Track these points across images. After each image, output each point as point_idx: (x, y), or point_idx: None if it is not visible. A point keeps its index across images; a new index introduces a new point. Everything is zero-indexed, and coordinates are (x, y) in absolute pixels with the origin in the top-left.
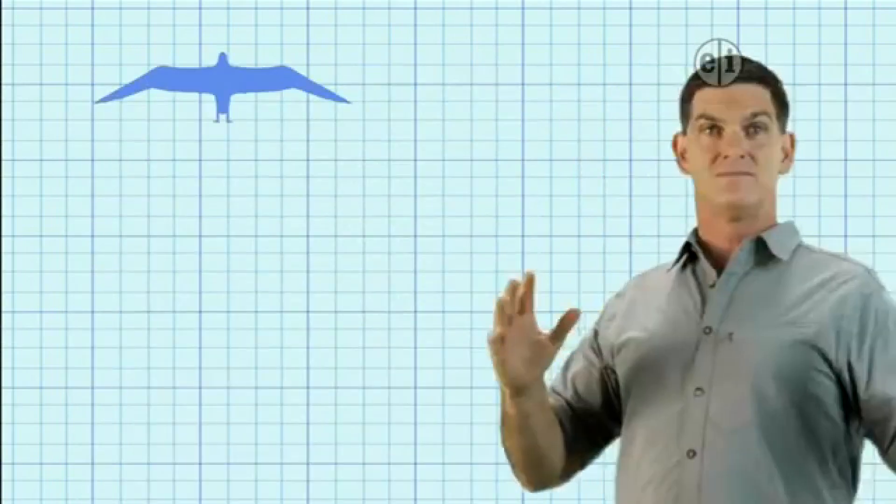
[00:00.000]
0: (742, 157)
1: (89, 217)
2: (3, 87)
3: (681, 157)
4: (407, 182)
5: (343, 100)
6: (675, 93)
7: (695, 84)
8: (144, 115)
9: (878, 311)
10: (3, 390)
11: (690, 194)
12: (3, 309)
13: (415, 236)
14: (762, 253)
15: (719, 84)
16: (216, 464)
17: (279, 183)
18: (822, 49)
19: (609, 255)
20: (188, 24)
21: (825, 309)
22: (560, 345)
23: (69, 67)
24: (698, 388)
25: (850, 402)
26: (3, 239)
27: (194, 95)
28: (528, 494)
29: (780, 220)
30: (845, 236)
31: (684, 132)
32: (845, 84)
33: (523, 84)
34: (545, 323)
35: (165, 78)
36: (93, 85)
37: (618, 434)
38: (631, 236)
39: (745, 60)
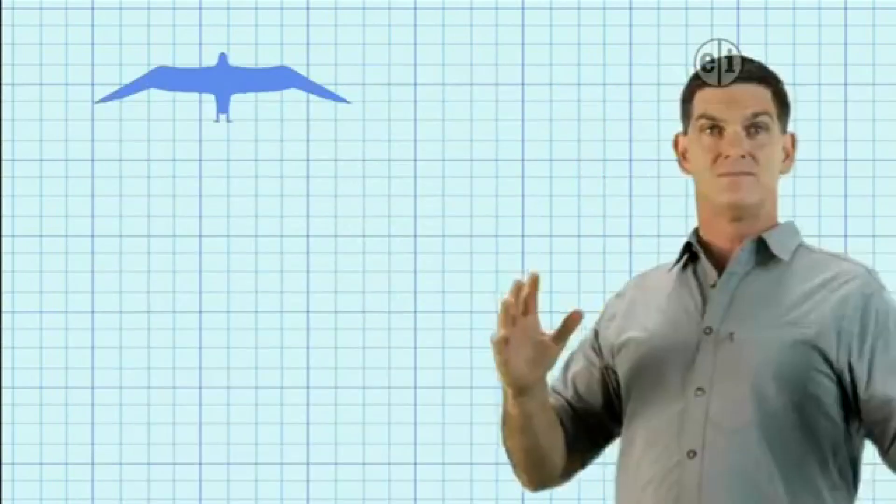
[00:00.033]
0: (743, 157)
1: (89, 217)
2: (3, 87)
3: (682, 157)
4: (407, 182)
5: (343, 100)
6: (675, 93)
7: (695, 84)
8: (144, 115)
9: (878, 312)
10: (3, 390)
11: (690, 194)
12: (3, 309)
13: (415, 236)
14: (763, 253)
15: (719, 84)
16: (216, 464)
17: (279, 183)
18: (822, 49)
19: (609, 255)
20: (188, 24)
21: (826, 309)
22: (563, 346)
23: (69, 67)
24: (699, 389)
25: (851, 402)
26: (3, 239)
27: (194, 95)
28: (528, 494)
29: (780, 220)
30: (845, 236)
31: (685, 132)
32: (845, 84)
33: (523, 84)
34: (545, 323)
35: (165, 78)
36: (93, 85)
37: (618, 434)
38: (631, 236)
39: (745, 60)
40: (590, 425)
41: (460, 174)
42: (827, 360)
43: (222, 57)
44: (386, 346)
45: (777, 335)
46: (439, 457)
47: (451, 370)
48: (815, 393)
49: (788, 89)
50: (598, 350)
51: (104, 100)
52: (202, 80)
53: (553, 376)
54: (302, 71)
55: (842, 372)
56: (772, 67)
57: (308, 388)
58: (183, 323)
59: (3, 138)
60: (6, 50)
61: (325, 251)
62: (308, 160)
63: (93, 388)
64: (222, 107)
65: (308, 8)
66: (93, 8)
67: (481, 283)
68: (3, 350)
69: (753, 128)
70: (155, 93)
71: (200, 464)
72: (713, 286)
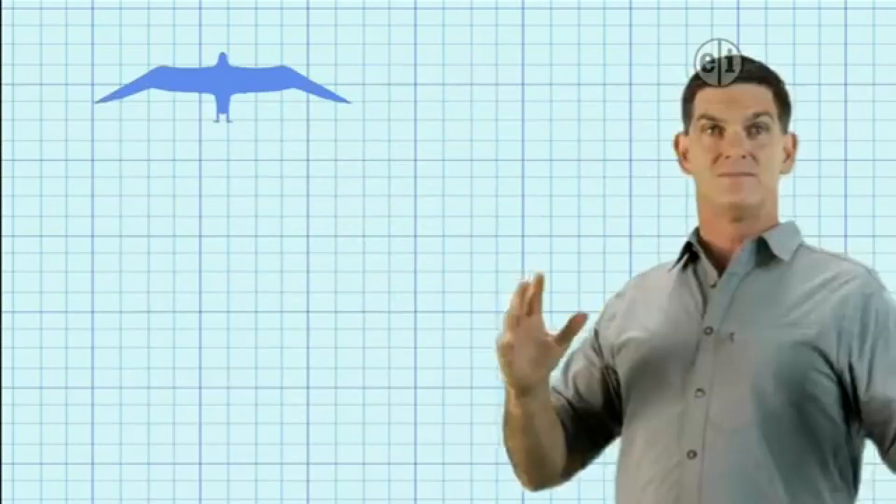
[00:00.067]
0: (744, 157)
1: (89, 217)
2: (3, 87)
3: (682, 157)
4: (407, 182)
5: (343, 100)
6: (675, 93)
7: (696, 84)
8: (144, 115)
9: (878, 312)
10: (3, 390)
11: (690, 194)
12: (3, 309)
13: (415, 236)
14: (763, 253)
15: (719, 84)
16: (216, 464)
17: (279, 183)
18: (822, 49)
19: (609, 255)
20: (188, 24)
21: (826, 309)
22: (566, 347)
23: (69, 67)
24: (699, 389)
25: (851, 402)
26: (3, 239)
27: (194, 95)
28: (528, 494)
29: (781, 220)
30: (845, 236)
31: (686, 132)
32: (845, 84)
33: (523, 84)
34: (544, 323)
35: (165, 78)
36: (93, 85)
37: (618, 434)
38: (631, 236)
39: (745, 60)
40: (590, 425)
41: (460, 174)
42: (827, 361)
43: (222, 57)
44: (386, 346)
45: (777, 335)
46: (439, 457)
47: (451, 370)
48: (815, 393)
49: (789, 89)
50: (598, 350)
51: (104, 100)
52: (202, 80)
53: (554, 376)
54: (302, 71)
55: (842, 372)
56: (772, 67)
57: (308, 388)
58: (183, 323)
59: (3, 138)
60: (6, 50)
61: (325, 251)
62: (308, 160)
63: (93, 388)
64: (222, 107)
65: (308, 8)
66: (93, 8)
67: (481, 283)
68: (3, 350)
69: (754, 128)
70: (155, 93)
71: (200, 464)
72: (713, 286)
